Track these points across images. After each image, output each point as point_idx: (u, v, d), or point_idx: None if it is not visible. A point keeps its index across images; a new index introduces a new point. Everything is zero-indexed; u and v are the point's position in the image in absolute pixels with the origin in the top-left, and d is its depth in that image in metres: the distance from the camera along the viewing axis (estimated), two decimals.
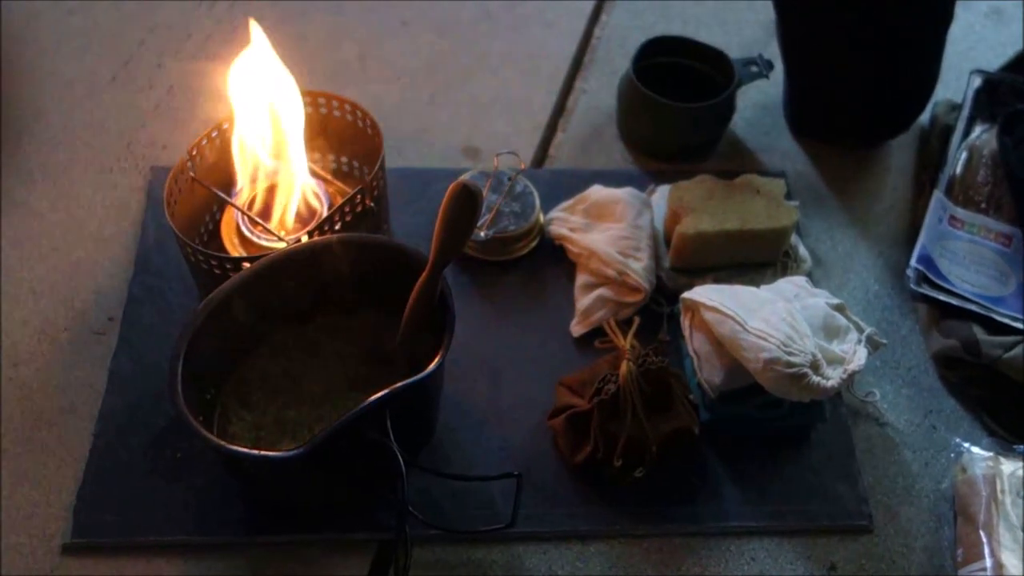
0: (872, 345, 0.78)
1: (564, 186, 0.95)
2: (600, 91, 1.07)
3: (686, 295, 0.80)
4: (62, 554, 0.72)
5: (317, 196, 0.84)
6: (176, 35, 1.08)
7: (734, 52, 1.00)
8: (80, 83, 1.03)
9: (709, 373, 0.78)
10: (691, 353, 0.80)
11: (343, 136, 0.87)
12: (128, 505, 0.74)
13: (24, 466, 0.76)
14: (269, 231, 0.80)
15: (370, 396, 0.64)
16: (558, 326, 0.87)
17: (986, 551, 0.72)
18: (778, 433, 0.81)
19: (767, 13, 1.00)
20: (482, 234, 0.88)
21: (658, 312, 0.88)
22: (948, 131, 1.00)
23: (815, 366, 0.73)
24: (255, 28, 0.77)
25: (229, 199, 0.82)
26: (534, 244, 0.91)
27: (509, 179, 0.91)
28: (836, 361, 0.75)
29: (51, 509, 0.74)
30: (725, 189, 0.88)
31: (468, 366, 0.83)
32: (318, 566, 0.73)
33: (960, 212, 0.94)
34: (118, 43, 1.07)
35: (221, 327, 0.71)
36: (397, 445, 0.65)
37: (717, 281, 0.84)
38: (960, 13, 0.93)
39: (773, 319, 0.74)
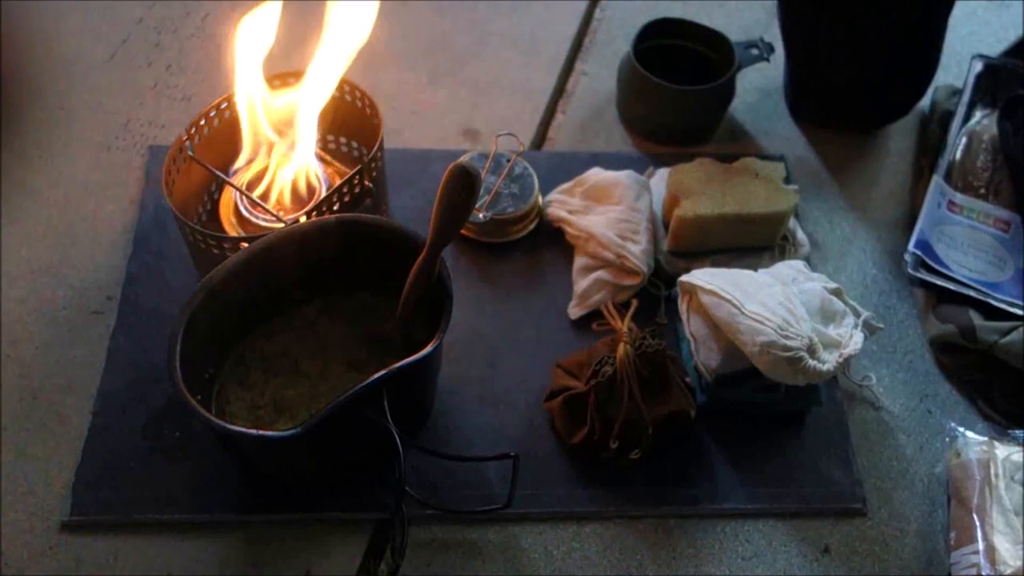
0: (869, 329, 0.78)
1: (563, 168, 0.94)
2: (600, 73, 1.07)
3: (684, 278, 0.80)
4: (60, 531, 0.73)
5: (315, 177, 0.83)
6: (174, 13, 1.08)
7: (735, 35, 1.00)
8: (78, 62, 1.03)
9: (706, 356, 0.78)
10: (688, 336, 0.80)
11: (341, 117, 0.87)
12: (126, 483, 0.74)
13: (23, 444, 0.77)
14: (268, 211, 0.80)
15: (368, 376, 0.64)
16: (556, 308, 0.87)
17: (979, 535, 0.72)
18: (774, 416, 0.82)
19: None
20: (480, 216, 0.88)
21: (656, 295, 0.88)
22: (948, 116, 1.00)
23: (811, 350, 0.73)
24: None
25: (227, 179, 0.82)
26: (532, 226, 0.91)
27: (508, 161, 0.91)
28: (832, 345, 0.75)
29: (49, 487, 0.74)
30: (724, 173, 0.88)
31: (465, 347, 0.83)
32: (315, 545, 0.73)
33: (959, 197, 0.94)
34: (116, 21, 1.07)
35: (219, 307, 0.71)
36: (394, 425, 0.65)
37: (715, 264, 0.84)
38: None
39: (770, 303, 0.74)
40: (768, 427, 0.81)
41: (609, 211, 0.88)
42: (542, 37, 1.10)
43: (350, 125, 0.88)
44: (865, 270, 0.93)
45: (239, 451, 0.73)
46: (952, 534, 0.75)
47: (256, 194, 0.82)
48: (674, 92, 0.95)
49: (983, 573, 0.70)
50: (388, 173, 0.87)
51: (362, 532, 0.75)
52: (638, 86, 0.97)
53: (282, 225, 0.77)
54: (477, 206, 0.87)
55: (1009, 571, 0.70)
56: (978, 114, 0.99)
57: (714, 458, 0.79)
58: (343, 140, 0.91)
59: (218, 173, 0.81)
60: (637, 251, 0.85)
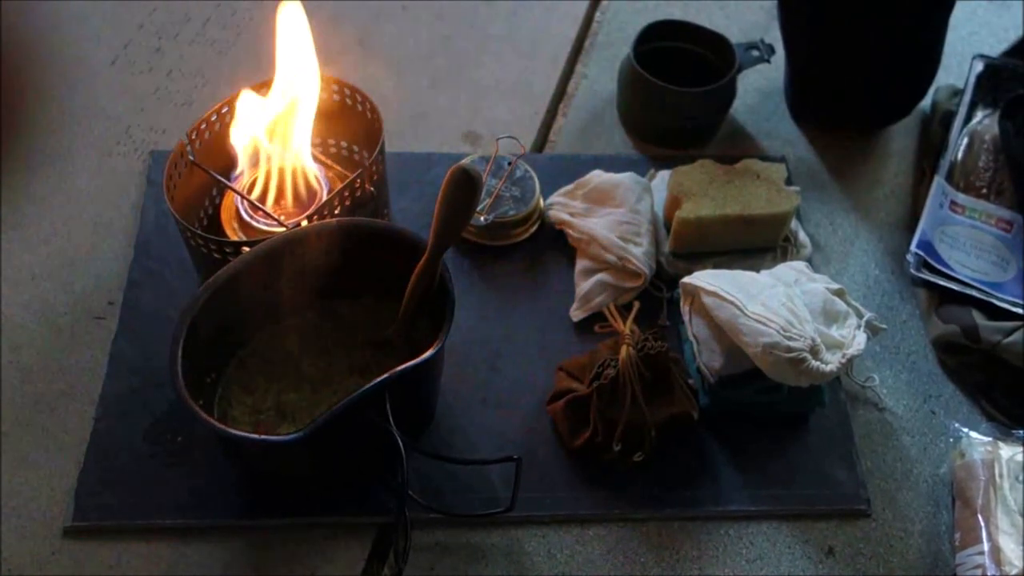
0: (871, 330, 0.78)
1: (564, 171, 0.94)
2: (601, 76, 1.07)
3: (686, 280, 0.80)
4: (63, 537, 0.73)
5: (317, 180, 0.83)
6: (175, 18, 1.08)
7: (735, 36, 1.00)
8: (79, 67, 1.03)
9: (708, 358, 0.78)
10: (691, 338, 0.80)
11: (343, 120, 0.87)
12: (129, 488, 0.74)
13: (25, 449, 0.76)
14: (269, 215, 0.80)
15: (370, 380, 0.64)
16: (558, 311, 0.87)
17: (983, 535, 0.72)
18: (777, 418, 0.81)
19: None
20: (482, 219, 0.87)
21: (658, 297, 0.88)
22: (949, 116, 1.00)
23: (814, 351, 0.73)
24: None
25: (229, 183, 0.82)
26: (534, 229, 0.91)
27: (509, 164, 0.91)
28: (835, 346, 0.75)
29: (52, 492, 0.74)
30: (725, 174, 0.88)
31: (468, 350, 0.83)
32: (318, 549, 0.73)
33: (961, 197, 0.94)
34: (117, 27, 1.07)
35: (221, 311, 0.71)
36: (397, 429, 0.65)
37: (717, 266, 0.84)
38: None
39: (772, 304, 0.74)
40: (771, 428, 0.81)
41: (611, 213, 0.88)
42: (542, 40, 1.10)
43: (351, 129, 0.88)
44: (867, 271, 0.93)
45: (241, 455, 0.73)
46: (957, 535, 0.75)
47: (256, 198, 0.82)
48: (675, 94, 0.95)
49: (988, 574, 0.70)
50: (389, 176, 0.87)
51: (365, 536, 0.75)
52: (639, 88, 0.97)
53: (283, 229, 0.77)
54: (478, 209, 0.87)
55: (1014, 571, 0.70)
56: (979, 114, 0.99)
57: (717, 460, 0.79)
58: (344, 144, 0.91)
59: (219, 178, 0.81)
60: (639, 253, 0.85)
